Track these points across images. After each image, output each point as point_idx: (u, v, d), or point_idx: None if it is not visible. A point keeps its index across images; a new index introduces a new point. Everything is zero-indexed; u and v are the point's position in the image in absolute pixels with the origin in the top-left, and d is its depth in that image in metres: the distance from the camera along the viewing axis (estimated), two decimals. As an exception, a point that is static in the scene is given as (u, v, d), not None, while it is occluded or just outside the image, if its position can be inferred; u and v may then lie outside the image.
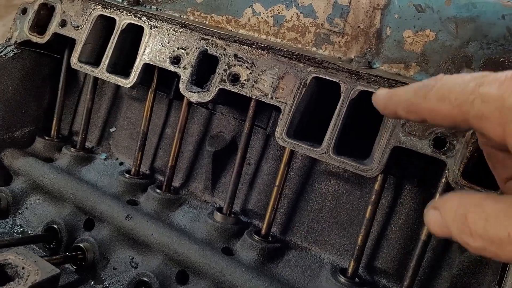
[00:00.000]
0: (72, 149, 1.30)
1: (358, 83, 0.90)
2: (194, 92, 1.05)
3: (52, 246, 1.13)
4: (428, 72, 0.88)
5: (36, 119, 1.40)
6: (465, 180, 0.79)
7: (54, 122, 1.36)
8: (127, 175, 1.21)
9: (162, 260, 1.04)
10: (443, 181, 0.85)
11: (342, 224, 1.04)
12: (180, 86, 1.06)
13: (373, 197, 0.92)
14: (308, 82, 0.94)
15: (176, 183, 1.22)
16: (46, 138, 1.35)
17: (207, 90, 1.03)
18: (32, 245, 1.14)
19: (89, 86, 1.28)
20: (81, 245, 1.08)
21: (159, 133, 1.28)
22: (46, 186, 1.21)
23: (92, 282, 1.07)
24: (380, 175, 0.91)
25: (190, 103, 1.13)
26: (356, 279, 0.96)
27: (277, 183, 1.02)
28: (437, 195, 0.86)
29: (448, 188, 0.85)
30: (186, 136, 1.21)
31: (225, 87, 1.01)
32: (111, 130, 1.36)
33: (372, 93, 0.86)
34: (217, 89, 1.02)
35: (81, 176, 1.25)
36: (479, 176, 0.81)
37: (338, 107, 0.90)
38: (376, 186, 0.92)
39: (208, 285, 0.99)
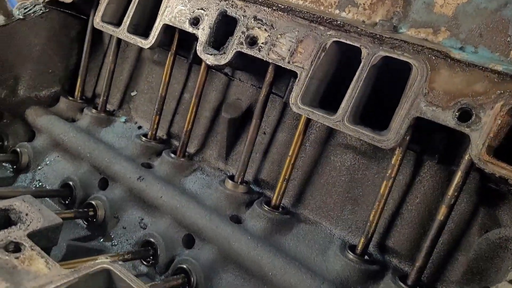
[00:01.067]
0: (93, 111, 1.30)
1: (381, 49, 0.84)
2: (211, 55, 1.02)
3: (66, 202, 1.15)
4: (459, 38, 0.81)
5: (62, 80, 1.42)
6: (489, 156, 0.73)
7: (78, 83, 1.37)
8: (143, 138, 1.20)
9: (170, 223, 1.03)
10: (466, 158, 0.78)
11: (356, 200, 0.99)
12: (197, 48, 1.03)
13: (390, 172, 0.87)
14: (327, 46, 0.89)
15: (191, 149, 1.21)
16: (70, 98, 1.37)
17: (224, 53, 1.00)
18: (48, 199, 1.16)
19: (112, 48, 1.28)
20: (93, 202, 1.09)
21: (178, 98, 1.26)
22: (65, 144, 1.22)
23: (102, 239, 1.08)
24: (398, 149, 0.85)
25: (208, 68, 1.10)
26: (366, 257, 0.91)
27: (290, 153, 0.98)
28: (459, 173, 0.79)
29: (471, 166, 0.78)
30: (204, 102, 1.19)
31: (242, 50, 0.97)
32: (132, 93, 1.35)
33: (395, 59, 0.80)
34: (234, 51, 0.98)
35: (100, 137, 1.25)
36: (508, 153, 0.74)
37: (357, 73, 0.85)
38: (394, 161, 0.86)
39: (213, 251, 0.97)
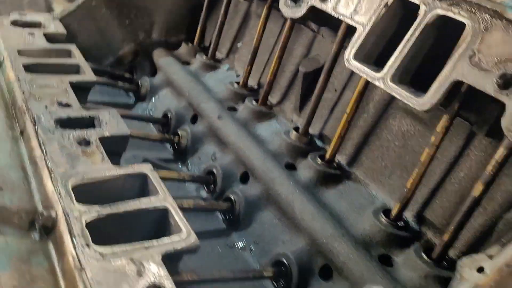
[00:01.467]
0: (204, 57, 1.48)
1: (439, 6, 0.79)
2: (288, 7, 1.07)
3: (164, 130, 1.35)
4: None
5: (187, 29, 1.62)
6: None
7: (197, 32, 1.55)
8: (235, 85, 1.33)
9: (233, 159, 1.15)
10: (510, 133, 0.70)
11: (406, 167, 0.95)
12: (280, 1, 1.10)
13: (433, 139, 0.82)
14: (390, 3, 0.87)
15: (273, 99, 1.29)
16: (189, 45, 1.57)
17: (299, 6, 1.05)
18: (151, 124, 1.38)
19: (225, 1, 1.42)
20: (180, 132, 1.26)
21: (270, 51, 1.34)
22: (174, 83, 1.42)
23: (179, 164, 1.25)
24: (444, 116, 0.80)
25: (293, 22, 1.15)
26: (399, 223, 0.89)
27: (347, 111, 0.99)
28: (501, 149, 0.72)
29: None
30: (290, 56, 1.25)
31: (315, 4, 1.01)
32: (238, 45, 1.48)
33: (451, 19, 0.76)
34: (308, 5, 1.02)
35: (203, 80, 1.42)
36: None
37: (409, 31, 0.82)
38: (438, 128, 0.82)
39: (260, 190, 1.05)
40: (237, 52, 1.48)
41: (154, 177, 0.85)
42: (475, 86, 0.71)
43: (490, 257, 0.59)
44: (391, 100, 1.01)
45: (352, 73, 1.10)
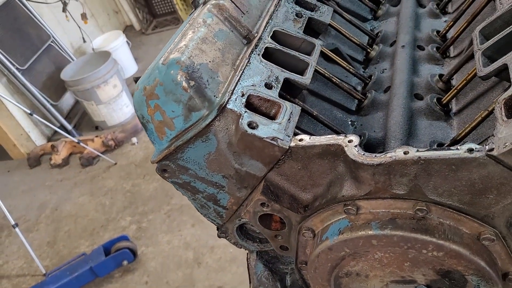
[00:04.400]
0: None
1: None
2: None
3: (368, 42, 1.82)
4: None
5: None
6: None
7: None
8: (435, 33, 1.67)
9: (389, 76, 1.56)
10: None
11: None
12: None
13: None
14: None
15: (452, 52, 1.59)
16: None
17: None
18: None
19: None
20: (374, 46, 1.72)
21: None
22: (401, 12, 1.83)
23: (361, 67, 1.73)
24: None
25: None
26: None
27: (470, 71, 1.28)
28: None
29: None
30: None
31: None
32: None
33: None
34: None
35: (421, 21, 1.78)
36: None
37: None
38: None
39: (386, 99, 1.47)
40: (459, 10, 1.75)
41: (317, 47, 1.40)
42: None
43: None
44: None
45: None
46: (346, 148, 1.01)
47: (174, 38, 1.25)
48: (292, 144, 1.08)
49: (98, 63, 5.91)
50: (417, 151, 0.94)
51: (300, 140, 1.08)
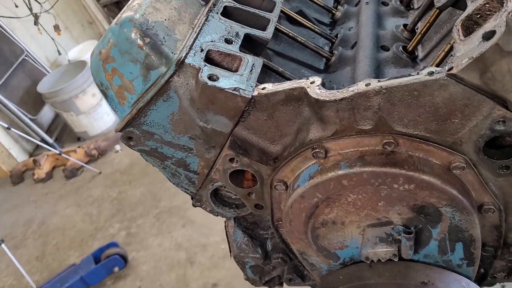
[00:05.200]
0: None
1: None
2: None
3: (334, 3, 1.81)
4: None
5: None
6: None
7: None
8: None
9: (355, 32, 1.55)
10: None
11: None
12: None
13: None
14: None
15: (415, 4, 1.58)
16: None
17: None
18: None
19: None
20: (339, 7, 1.71)
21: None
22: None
23: (328, 29, 1.72)
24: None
25: None
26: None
27: (431, 14, 1.27)
28: None
29: None
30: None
31: None
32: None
33: None
34: None
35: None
36: None
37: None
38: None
39: (353, 54, 1.46)
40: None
41: (278, 6, 1.38)
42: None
43: None
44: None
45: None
46: (308, 90, 0.99)
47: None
48: (255, 93, 1.05)
49: (74, 73, 5.84)
50: (379, 81, 0.92)
51: (263, 88, 1.05)
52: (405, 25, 1.45)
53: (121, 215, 5.05)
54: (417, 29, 1.44)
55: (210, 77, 1.06)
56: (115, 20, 1.12)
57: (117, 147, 5.92)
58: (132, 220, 4.93)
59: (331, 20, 1.73)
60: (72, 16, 7.80)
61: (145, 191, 5.21)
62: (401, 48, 1.36)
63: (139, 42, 1.07)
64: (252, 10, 1.31)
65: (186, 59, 1.09)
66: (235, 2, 1.32)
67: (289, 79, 1.32)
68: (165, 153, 1.23)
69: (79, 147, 5.87)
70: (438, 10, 1.23)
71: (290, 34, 1.43)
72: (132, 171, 5.59)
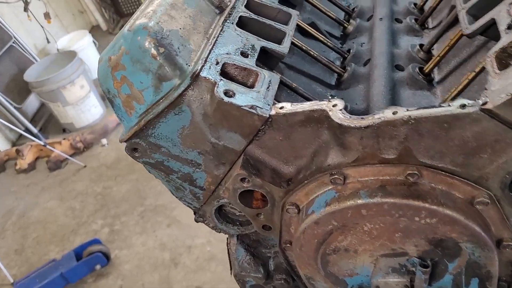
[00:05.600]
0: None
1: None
2: None
3: (345, 17, 1.77)
4: None
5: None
6: None
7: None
8: (412, 5, 1.62)
9: (368, 49, 1.51)
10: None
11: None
12: None
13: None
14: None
15: (431, 23, 1.55)
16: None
17: None
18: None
19: None
20: (351, 20, 1.67)
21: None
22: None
23: (339, 42, 1.68)
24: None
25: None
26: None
27: (451, 37, 1.24)
28: None
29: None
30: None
31: None
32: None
33: None
34: None
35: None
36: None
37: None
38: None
39: (367, 71, 1.42)
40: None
41: (294, 17, 1.33)
42: None
43: None
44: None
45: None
46: (330, 113, 0.94)
47: (140, 8, 1.16)
48: (273, 112, 1.00)
49: (63, 63, 5.70)
50: (407, 110, 0.88)
51: (281, 107, 1.00)
52: (421, 45, 1.41)
53: (105, 211, 4.95)
54: (433, 49, 1.41)
55: (226, 93, 1.01)
56: (127, 26, 1.05)
57: (104, 140, 5.80)
58: (116, 217, 4.84)
59: (342, 33, 1.69)
60: (63, 4, 7.63)
61: (130, 187, 5.11)
62: (417, 69, 1.32)
63: (153, 51, 1.01)
64: (267, 22, 1.26)
65: (202, 72, 1.03)
66: (250, 13, 1.26)
67: (302, 96, 1.27)
68: (171, 167, 1.17)
69: (64, 138, 5.73)
70: (460, 35, 1.19)
71: (303, 47, 1.38)
72: (118, 166, 5.48)
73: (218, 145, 1.09)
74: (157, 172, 1.20)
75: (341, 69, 1.45)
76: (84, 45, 6.62)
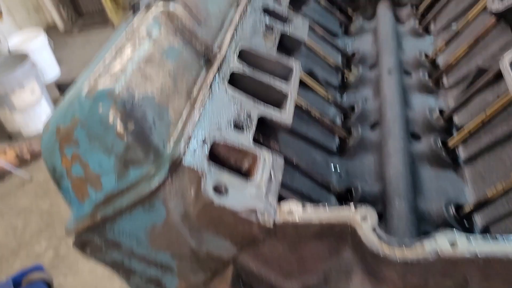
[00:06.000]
0: (417, 23, 1.57)
1: None
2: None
3: (342, 62, 1.54)
4: None
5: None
6: None
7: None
8: (424, 56, 1.41)
9: (376, 108, 1.28)
10: None
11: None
12: (494, -6, 1.13)
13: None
14: None
15: (446, 82, 1.34)
16: (413, 8, 1.66)
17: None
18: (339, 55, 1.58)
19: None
20: (352, 68, 1.44)
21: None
22: (377, 31, 1.57)
23: (338, 93, 1.44)
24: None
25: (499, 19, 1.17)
26: (465, 223, 0.94)
27: (487, 112, 1.03)
28: None
29: None
30: (480, 49, 1.25)
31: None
32: (453, 26, 1.50)
33: None
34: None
35: (403, 41, 1.53)
36: None
37: None
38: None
39: (377, 138, 1.18)
40: (448, 31, 1.52)
41: (296, 73, 1.08)
42: None
43: None
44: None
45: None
46: (360, 231, 0.69)
47: (103, 53, 0.86)
48: (279, 219, 0.74)
49: (13, 66, 5.20)
50: (469, 241, 0.64)
51: (289, 212, 0.74)
52: (440, 111, 1.20)
53: (51, 231, 4.50)
54: (453, 115, 1.20)
55: (217, 188, 0.74)
56: (86, 87, 0.76)
57: (54, 152, 5.32)
58: (62, 238, 4.39)
59: (340, 83, 1.46)
60: (16, -1, 7.05)
61: (81, 206, 4.68)
62: (440, 143, 1.10)
63: (119, 128, 0.73)
64: (265, 80, 1.00)
65: (184, 159, 0.76)
66: (244, 66, 1.00)
67: (304, 172, 1.02)
68: (133, 268, 0.89)
69: (9, 148, 5.21)
70: (497, 110, 0.99)
71: (304, 107, 1.13)
72: (68, 181, 5.03)
73: (200, 251, 0.81)
74: (114, 270, 0.91)
75: (345, 132, 1.21)
76: (38, 45, 6.10)
